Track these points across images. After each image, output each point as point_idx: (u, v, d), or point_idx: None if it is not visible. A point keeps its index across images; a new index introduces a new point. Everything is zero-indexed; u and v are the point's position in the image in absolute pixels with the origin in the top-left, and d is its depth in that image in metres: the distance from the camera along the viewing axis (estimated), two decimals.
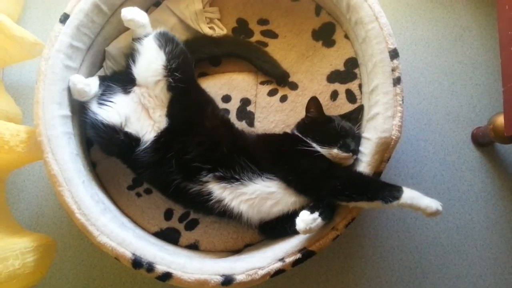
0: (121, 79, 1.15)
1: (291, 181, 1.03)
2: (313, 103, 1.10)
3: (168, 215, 1.20)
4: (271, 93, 1.27)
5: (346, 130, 1.08)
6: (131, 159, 1.09)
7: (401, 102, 1.04)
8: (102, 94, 1.11)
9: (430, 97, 1.41)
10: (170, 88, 1.10)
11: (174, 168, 1.04)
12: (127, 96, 1.11)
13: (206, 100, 1.16)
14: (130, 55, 1.15)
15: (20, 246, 1.00)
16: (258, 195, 1.03)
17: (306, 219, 0.95)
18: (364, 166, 1.04)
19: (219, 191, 1.05)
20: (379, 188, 0.93)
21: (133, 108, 1.10)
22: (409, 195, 0.91)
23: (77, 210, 0.99)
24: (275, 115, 1.24)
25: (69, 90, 1.10)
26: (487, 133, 1.26)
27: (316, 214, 0.96)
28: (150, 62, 1.10)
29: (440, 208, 0.89)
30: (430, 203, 0.90)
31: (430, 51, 1.45)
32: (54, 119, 1.05)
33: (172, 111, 1.10)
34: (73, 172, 1.03)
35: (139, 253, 0.99)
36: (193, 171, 1.04)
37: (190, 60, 1.15)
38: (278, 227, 1.07)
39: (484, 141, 1.35)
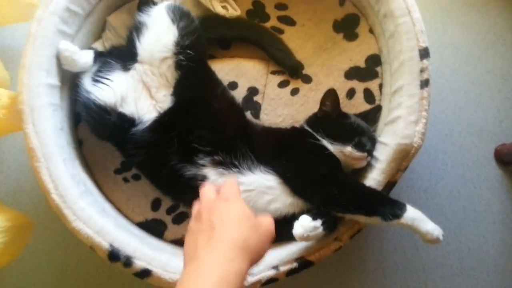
0: (121, 55, 1.04)
1: (288, 178, 0.93)
2: (330, 96, 1.00)
3: (155, 205, 1.09)
4: (282, 84, 1.16)
5: (362, 128, 0.99)
6: (123, 141, 0.99)
7: (426, 107, 0.93)
8: (98, 71, 1.00)
9: (454, 107, 1.31)
10: (179, 66, 1.00)
11: (174, 148, 0.95)
12: (127, 73, 1.01)
13: (215, 81, 1.07)
14: (135, 27, 1.03)
15: None
16: (256, 187, 0.93)
17: (306, 226, 0.85)
18: (378, 173, 0.94)
19: (215, 176, 0.94)
20: (380, 203, 0.85)
21: (132, 87, 0.99)
22: (411, 215, 0.82)
23: (54, 190, 0.89)
24: (284, 109, 1.14)
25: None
26: None
27: (319, 223, 0.86)
28: (160, 37, 0.99)
29: (441, 237, 0.82)
30: (432, 230, 0.82)
31: (459, 57, 1.34)
32: (40, 87, 0.95)
33: (179, 91, 1.01)
34: (54, 148, 0.93)
35: (117, 245, 0.89)
36: (192, 152, 0.95)
37: (204, 38, 1.06)
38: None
39: (508, 159, 1.25)
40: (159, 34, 1.00)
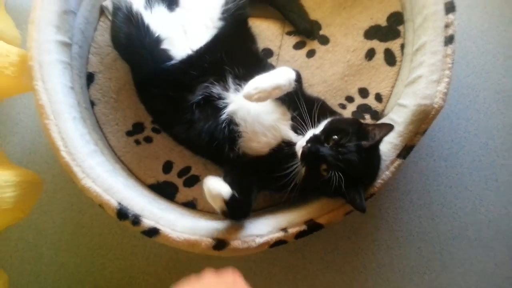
0: None
1: None
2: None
3: (167, 167, 1.08)
4: (298, 46, 1.11)
5: None
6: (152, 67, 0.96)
7: (450, 65, 0.88)
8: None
9: (480, 71, 1.23)
10: (223, 18, 0.99)
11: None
12: (170, 14, 0.99)
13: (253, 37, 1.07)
14: None
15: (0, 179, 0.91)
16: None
17: None
18: (395, 136, 0.90)
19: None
20: None
21: (173, 28, 0.97)
22: None
23: (63, 148, 0.89)
24: None
25: (71, 14, 0.98)
26: None
27: None
28: None
29: None
30: None
31: (488, 18, 1.25)
32: (49, 44, 0.93)
33: (218, 37, 0.99)
34: (64, 106, 0.92)
35: (126, 203, 0.89)
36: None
37: None
38: None
39: None
40: None
